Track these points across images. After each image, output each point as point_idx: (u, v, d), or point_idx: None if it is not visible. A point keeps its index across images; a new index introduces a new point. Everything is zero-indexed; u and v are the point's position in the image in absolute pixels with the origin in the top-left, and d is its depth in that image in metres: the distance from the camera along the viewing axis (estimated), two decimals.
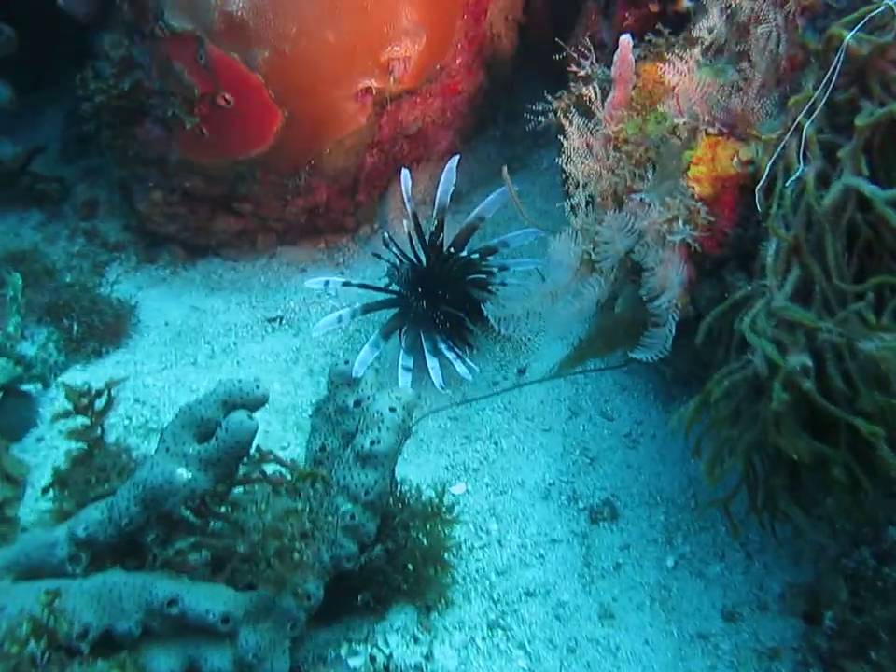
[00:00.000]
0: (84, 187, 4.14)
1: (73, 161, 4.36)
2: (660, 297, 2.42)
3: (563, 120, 2.68)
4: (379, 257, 3.55)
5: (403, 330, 3.40)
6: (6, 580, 2.51)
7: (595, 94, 2.71)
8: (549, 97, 3.17)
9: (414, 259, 3.52)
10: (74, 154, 4.35)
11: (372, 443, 2.55)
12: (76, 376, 3.45)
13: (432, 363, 3.33)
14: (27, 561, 2.51)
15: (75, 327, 3.49)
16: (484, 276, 3.51)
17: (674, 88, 2.51)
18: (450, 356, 3.36)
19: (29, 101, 4.34)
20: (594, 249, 2.58)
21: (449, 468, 3.20)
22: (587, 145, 2.69)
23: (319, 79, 3.46)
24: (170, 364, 3.55)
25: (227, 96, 3.42)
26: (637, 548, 2.86)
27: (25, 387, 3.30)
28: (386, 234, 3.50)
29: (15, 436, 3.22)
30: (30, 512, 2.96)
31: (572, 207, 2.65)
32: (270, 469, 2.65)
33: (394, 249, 3.47)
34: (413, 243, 3.51)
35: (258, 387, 2.61)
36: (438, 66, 3.71)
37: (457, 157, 3.53)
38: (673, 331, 2.41)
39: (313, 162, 3.65)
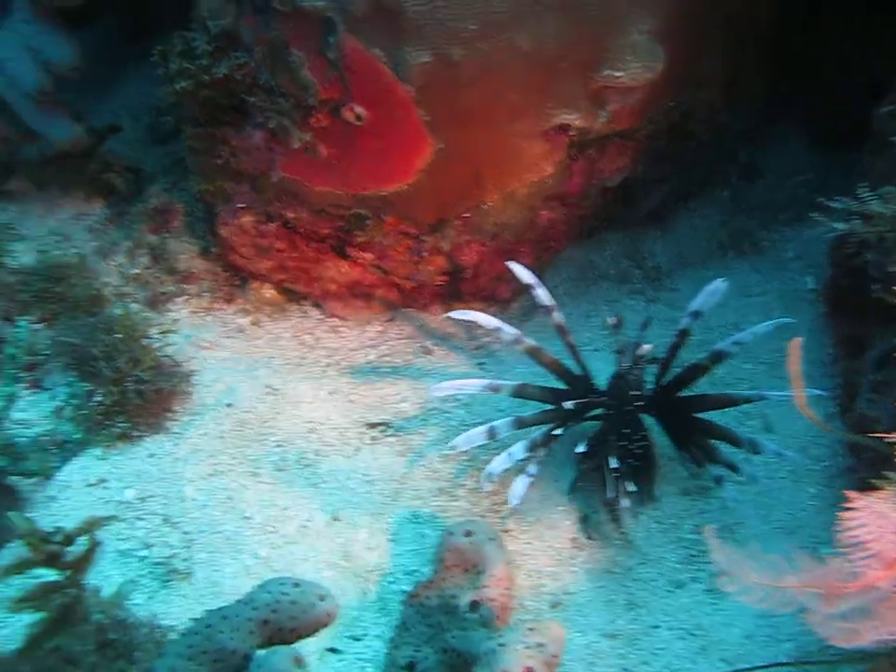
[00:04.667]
0: (162, 185, 3.06)
1: (164, 140, 3.34)
2: None
3: None
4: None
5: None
6: None
7: None
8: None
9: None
10: (165, 132, 3.31)
11: None
12: (90, 467, 2.46)
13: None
14: None
15: (100, 394, 2.47)
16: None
17: None
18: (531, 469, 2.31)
19: (120, 55, 3.39)
20: None
21: None
22: None
23: (497, 104, 2.34)
24: (222, 469, 2.48)
25: (357, 109, 2.33)
26: None
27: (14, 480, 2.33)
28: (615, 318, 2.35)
29: None
30: None
31: None
32: None
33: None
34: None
35: (322, 599, 1.75)
36: (672, 104, 2.52)
37: (723, 282, 2.32)
38: None
39: (467, 215, 2.54)
